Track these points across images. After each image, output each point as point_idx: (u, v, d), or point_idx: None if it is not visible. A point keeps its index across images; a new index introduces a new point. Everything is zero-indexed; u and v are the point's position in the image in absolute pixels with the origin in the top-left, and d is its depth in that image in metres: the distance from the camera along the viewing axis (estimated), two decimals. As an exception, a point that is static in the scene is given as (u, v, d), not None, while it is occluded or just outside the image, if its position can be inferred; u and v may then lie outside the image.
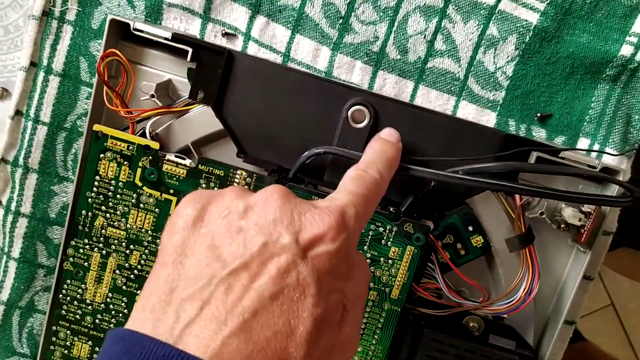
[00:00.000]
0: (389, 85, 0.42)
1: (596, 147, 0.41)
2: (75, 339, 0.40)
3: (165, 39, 0.36)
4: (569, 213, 0.37)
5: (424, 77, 0.42)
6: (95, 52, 0.42)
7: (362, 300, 0.27)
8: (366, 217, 0.28)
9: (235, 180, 0.37)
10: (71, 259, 0.39)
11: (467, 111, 0.42)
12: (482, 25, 0.40)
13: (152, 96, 0.37)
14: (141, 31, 0.36)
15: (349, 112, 0.36)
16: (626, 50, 0.40)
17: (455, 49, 0.41)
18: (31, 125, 0.43)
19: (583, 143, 0.42)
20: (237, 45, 0.42)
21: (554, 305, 0.41)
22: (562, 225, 0.38)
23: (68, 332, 0.40)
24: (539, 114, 0.41)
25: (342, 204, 0.27)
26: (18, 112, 0.43)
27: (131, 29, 0.36)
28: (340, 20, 0.41)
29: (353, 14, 0.41)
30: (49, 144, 0.44)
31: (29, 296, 0.46)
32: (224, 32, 0.42)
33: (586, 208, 0.37)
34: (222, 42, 0.42)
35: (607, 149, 0.41)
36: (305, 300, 0.23)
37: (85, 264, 0.39)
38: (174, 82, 0.39)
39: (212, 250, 0.24)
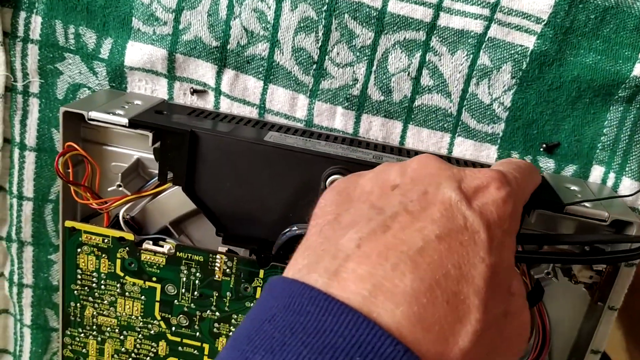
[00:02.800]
0: (376, 128, 0.39)
1: (611, 175, 0.37)
2: (88, 416, 0.40)
3: (123, 125, 0.34)
4: (578, 268, 0.34)
5: (412, 116, 0.38)
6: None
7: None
8: (524, 196, 0.26)
9: (216, 265, 0.35)
10: (69, 347, 0.39)
11: (465, 147, 0.38)
12: (471, 55, 0.36)
13: (119, 186, 0.35)
14: (97, 120, 0.34)
15: (327, 182, 0.34)
16: (640, 69, 0.35)
17: (444, 83, 0.37)
18: (16, 202, 0.42)
19: (597, 171, 0.38)
20: (208, 101, 0.39)
21: (573, 343, 0.38)
22: (574, 280, 0.35)
23: (80, 412, 0.40)
24: (544, 145, 0.37)
25: (499, 168, 0.25)
26: (1, 189, 0.43)
27: (86, 120, 0.34)
28: (314, 66, 0.37)
29: (327, 57, 0.37)
30: (37, 217, 0.43)
31: (48, 358, 0.47)
32: (192, 89, 0.39)
33: (597, 267, 0.33)
34: (192, 99, 0.39)
35: (624, 178, 0.37)
36: (475, 246, 0.21)
37: (84, 350, 0.39)
38: (142, 161, 0.37)
39: (370, 207, 0.23)
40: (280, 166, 0.34)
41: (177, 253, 0.35)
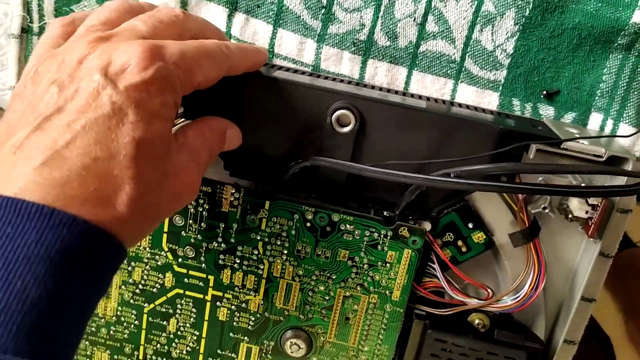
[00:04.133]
0: (381, 74, 0.40)
1: (609, 122, 0.38)
2: (95, 348, 0.42)
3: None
4: (575, 205, 0.35)
5: (417, 62, 0.39)
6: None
7: None
8: (196, 67, 0.28)
9: (223, 196, 0.36)
10: (79, 278, 0.40)
11: (467, 94, 0.39)
12: (476, 2, 0.37)
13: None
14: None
15: (333, 117, 0.35)
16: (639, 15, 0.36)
17: (448, 29, 0.38)
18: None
19: (595, 119, 0.39)
20: (219, 44, 0.40)
21: (568, 290, 0.39)
22: (570, 216, 0.36)
23: (87, 342, 0.41)
24: (545, 92, 0.38)
25: (163, 41, 0.27)
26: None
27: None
28: (323, 10, 0.38)
29: (335, 2, 0.38)
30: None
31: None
32: (204, 32, 0.40)
33: (592, 200, 0.34)
34: (204, 42, 0.40)
35: (622, 125, 0.38)
36: (123, 127, 0.24)
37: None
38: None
39: (29, 106, 0.25)
40: (286, 101, 0.35)
41: (186, 184, 0.36)
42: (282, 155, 0.36)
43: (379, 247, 0.36)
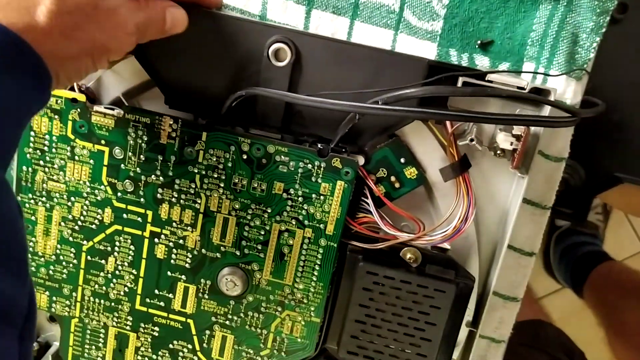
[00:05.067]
0: (325, 24, 0.41)
1: (541, 70, 0.40)
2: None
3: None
4: (501, 138, 0.36)
5: (358, 12, 0.41)
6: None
7: None
8: None
9: (162, 127, 0.37)
10: (19, 214, 0.40)
11: (406, 44, 0.41)
12: (411, -48, 0.39)
13: (75, 49, 0.37)
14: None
15: (269, 51, 0.36)
16: (564, -36, 0.38)
17: (386, -21, 0.40)
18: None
19: (527, 67, 0.40)
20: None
21: (500, 234, 0.40)
22: (499, 152, 0.37)
23: (25, 284, 0.41)
24: (479, 42, 0.40)
25: None
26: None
27: None
28: (268, -41, 0.40)
29: (279, -49, 0.40)
30: None
31: None
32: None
33: (516, 131, 0.35)
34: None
35: (552, 72, 0.39)
36: None
37: (33, 217, 0.40)
38: (101, 34, 0.39)
39: None
40: (226, 35, 0.36)
41: (126, 115, 0.37)
42: (221, 89, 0.37)
43: (313, 178, 0.37)
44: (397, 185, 0.38)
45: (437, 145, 0.38)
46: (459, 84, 0.35)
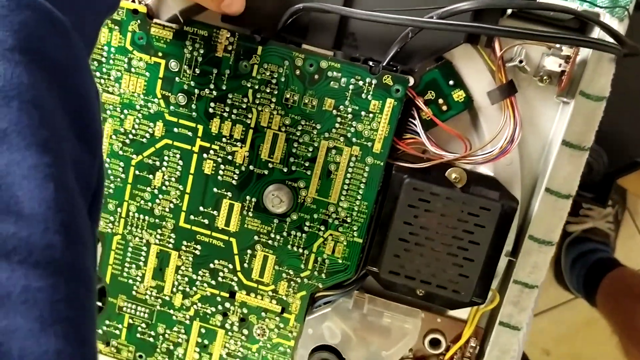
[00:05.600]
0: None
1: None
2: (78, 206, 0.42)
3: None
4: (550, 60, 0.37)
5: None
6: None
7: None
8: None
9: (219, 40, 0.38)
10: (71, 127, 0.41)
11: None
12: None
13: (139, -37, 0.39)
14: None
15: (322, -32, 0.37)
16: None
17: None
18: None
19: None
20: None
21: (541, 168, 0.41)
22: (545, 78, 0.38)
23: (71, 199, 0.42)
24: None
25: None
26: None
27: None
28: None
29: None
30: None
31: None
32: None
33: (565, 52, 0.36)
34: None
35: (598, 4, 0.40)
36: None
37: (84, 130, 0.41)
38: (161, -45, 0.41)
39: None
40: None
41: (185, 27, 0.38)
42: (276, 6, 0.38)
43: (363, 95, 0.38)
44: (444, 107, 0.39)
45: (485, 70, 0.38)
46: (509, 10, 0.36)
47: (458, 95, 0.39)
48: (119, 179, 0.41)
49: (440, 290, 0.39)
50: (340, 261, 0.40)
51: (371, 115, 0.38)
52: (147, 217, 0.42)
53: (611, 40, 0.36)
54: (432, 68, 0.39)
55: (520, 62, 0.37)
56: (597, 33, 0.37)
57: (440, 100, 0.39)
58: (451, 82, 0.38)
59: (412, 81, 0.38)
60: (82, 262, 0.22)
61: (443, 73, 0.38)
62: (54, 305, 0.20)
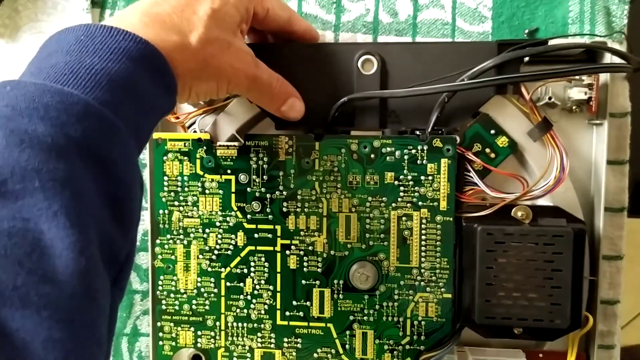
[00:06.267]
0: (386, 42, 0.48)
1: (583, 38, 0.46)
2: (179, 328, 0.44)
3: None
4: (575, 91, 0.41)
5: (417, 30, 0.48)
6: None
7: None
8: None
9: (279, 146, 0.42)
10: (160, 256, 0.44)
11: (463, 47, 0.47)
12: (452, -29, 0.47)
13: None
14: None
15: (359, 63, 0.42)
16: (581, -49, 0.45)
17: (436, -2, 0.47)
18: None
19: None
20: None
21: (593, 188, 0.43)
22: (574, 107, 0.42)
23: (171, 324, 0.44)
24: (527, 31, 0.46)
25: None
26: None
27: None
28: (334, 5, 0.48)
29: (342, -5, 0.48)
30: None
31: (132, 322, 0.52)
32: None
33: (587, 80, 0.41)
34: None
35: (596, 36, 0.45)
36: (206, 1, 0.35)
37: (172, 257, 0.44)
38: (209, 88, 0.46)
39: None
40: (319, 60, 0.43)
41: (246, 142, 0.43)
42: (323, 103, 0.43)
43: (419, 161, 0.41)
44: (492, 155, 0.42)
45: (519, 113, 0.42)
46: (526, 58, 0.41)
47: (502, 141, 0.42)
48: (212, 295, 0.44)
49: (537, 323, 0.40)
50: (435, 320, 0.42)
51: (430, 177, 0.41)
52: (245, 324, 0.44)
53: (621, 60, 0.40)
54: (473, 123, 0.42)
55: (550, 98, 0.41)
56: (608, 58, 0.42)
57: (487, 150, 0.42)
58: (492, 132, 0.42)
59: (458, 139, 0.42)
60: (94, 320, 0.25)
61: (483, 125, 0.42)
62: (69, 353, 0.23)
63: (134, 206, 0.30)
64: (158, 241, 0.44)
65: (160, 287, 0.44)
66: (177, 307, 0.44)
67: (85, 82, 0.28)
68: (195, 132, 0.44)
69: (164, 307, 0.45)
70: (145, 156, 0.50)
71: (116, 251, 0.29)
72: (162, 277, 0.44)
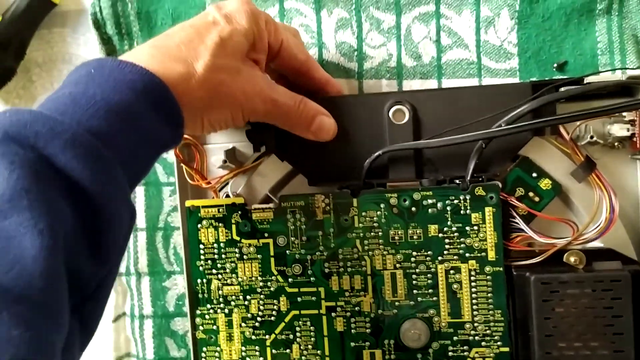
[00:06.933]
0: (416, 89, 0.47)
1: (618, 73, 0.45)
2: (225, 401, 0.43)
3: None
4: (616, 128, 0.40)
5: (442, 71, 0.47)
6: (165, 155, 0.49)
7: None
8: (283, 32, 0.39)
9: (316, 205, 0.41)
10: (201, 327, 0.43)
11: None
12: (474, 11, 0.46)
13: (225, 161, 0.43)
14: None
15: (390, 114, 0.41)
16: (606, -17, 0.44)
17: (460, 39, 0.46)
18: (132, 235, 0.49)
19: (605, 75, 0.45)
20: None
21: (643, 223, 0.42)
22: (616, 144, 0.41)
23: (217, 397, 0.43)
24: (555, 65, 0.45)
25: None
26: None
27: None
28: (355, 52, 0.47)
29: (364, 43, 0.47)
30: (151, 246, 0.50)
31: (171, 390, 0.50)
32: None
33: (629, 117, 0.39)
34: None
35: (628, 72, 0.44)
36: (215, 27, 0.35)
37: (214, 327, 0.43)
38: (238, 149, 0.45)
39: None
40: (349, 113, 0.42)
41: (282, 204, 0.41)
42: (355, 157, 0.41)
43: (462, 212, 0.40)
44: (536, 199, 0.41)
45: (559, 154, 0.41)
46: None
47: (545, 184, 0.41)
48: (258, 363, 0.42)
49: (601, 372, 0.39)
50: (494, 375, 0.40)
51: (475, 227, 0.40)
52: (294, 391, 0.42)
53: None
54: (513, 167, 0.41)
55: (592, 137, 0.40)
56: (643, 91, 0.40)
57: (531, 193, 0.41)
58: (534, 175, 0.41)
59: (500, 184, 0.41)
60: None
61: (524, 169, 0.41)
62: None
63: (116, 238, 0.30)
64: (198, 311, 0.43)
65: (203, 359, 0.43)
66: (222, 379, 0.43)
67: (83, 112, 0.29)
68: (227, 196, 0.43)
69: (208, 379, 0.43)
70: (178, 223, 0.49)
71: (84, 280, 0.28)
72: (204, 349, 0.43)
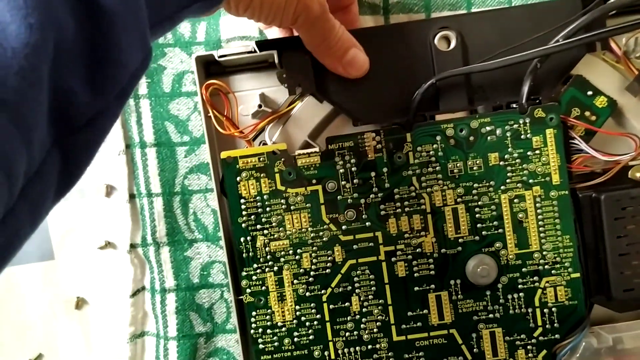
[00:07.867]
0: (460, 13, 0.44)
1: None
2: (282, 368, 0.39)
3: (250, 52, 0.38)
4: (672, 37, 0.38)
5: (472, 0, 0.44)
6: (177, 113, 0.44)
7: None
8: None
9: (366, 144, 0.38)
10: (248, 290, 0.39)
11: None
12: None
13: (260, 106, 0.39)
14: (226, 55, 0.38)
15: (435, 41, 0.38)
16: None
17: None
18: (147, 201, 0.44)
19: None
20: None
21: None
22: (669, 55, 0.39)
23: (273, 364, 0.39)
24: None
25: None
26: (131, 196, 0.45)
27: (216, 58, 0.38)
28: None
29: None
30: (169, 213, 0.45)
31: (196, 368, 0.46)
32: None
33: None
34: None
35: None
36: None
37: (263, 288, 0.39)
38: (266, 94, 0.41)
39: None
40: (391, 44, 0.38)
41: (329, 146, 0.38)
42: (402, 91, 0.38)
43: (523, 136, 0.38)
44: (593, 118, 0.39)
45: (612, 70, 0.40)
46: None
47: (600, 101, 0.39)
48: (315, 322, 0.39)
49: (677, 287, 0.37)
50: (567, 303, 0.39)
51: (537, 151, 0.38)
52: (357, 348, 0.39)
53: None
54: (567, 87, 0.39)
55: (646, 48, 0.39)
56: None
57: (587, 113, 0.39)
58: (589, 93, 0.39)
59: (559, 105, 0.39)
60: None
61: (578, 88, 0.39)
62: None
63: (120, 70, 0.25)
64: (244, 273, 0.39)
65: (253, 325, 0.39)
66: (276, 344, 0.39)
67: None
68: (265, 144, 0.39)
69: (261, 346, 0.39)
70: (197, 186, 0.44)
71: (74, 108, 0.23)
72: (254, 313, 0.39)
